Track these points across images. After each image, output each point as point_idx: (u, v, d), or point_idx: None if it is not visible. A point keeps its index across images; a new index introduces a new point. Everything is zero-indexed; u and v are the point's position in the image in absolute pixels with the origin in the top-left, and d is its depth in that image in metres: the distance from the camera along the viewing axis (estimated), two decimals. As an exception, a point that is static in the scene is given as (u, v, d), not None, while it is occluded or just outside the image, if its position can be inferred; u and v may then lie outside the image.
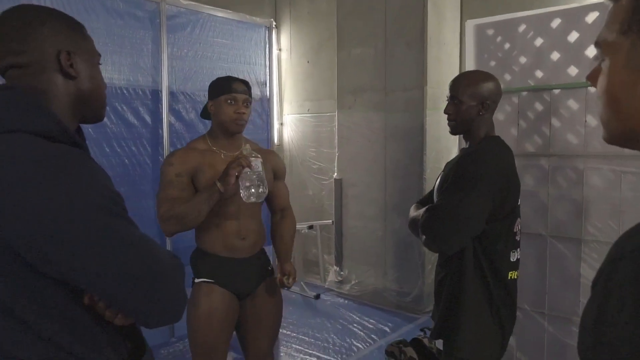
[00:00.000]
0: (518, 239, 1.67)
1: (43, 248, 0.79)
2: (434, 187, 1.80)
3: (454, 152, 3.43)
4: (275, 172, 2.06)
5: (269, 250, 2.22)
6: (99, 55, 1.05)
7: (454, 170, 1.58)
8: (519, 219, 1.68)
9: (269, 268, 2.06)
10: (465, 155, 1.63)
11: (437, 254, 1.77)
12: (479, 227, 1.54)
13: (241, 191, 1.75)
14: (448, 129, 1.74)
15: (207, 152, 1.91)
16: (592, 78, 0.64)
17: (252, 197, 1.75)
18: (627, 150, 0.66)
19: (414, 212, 1.77)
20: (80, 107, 0.99)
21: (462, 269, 1.58)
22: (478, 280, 1.58)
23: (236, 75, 3.57)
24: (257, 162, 1.74)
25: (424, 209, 1.65)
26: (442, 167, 1.85)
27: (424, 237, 1.58)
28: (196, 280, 1.93)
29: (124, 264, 0.84)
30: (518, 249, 1.67)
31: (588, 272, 2.30)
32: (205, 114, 2.01)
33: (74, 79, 0.96)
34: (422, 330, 2.50)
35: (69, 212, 0.80)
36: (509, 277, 1.61)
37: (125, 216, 0.88)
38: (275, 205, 2.10)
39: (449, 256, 1.64)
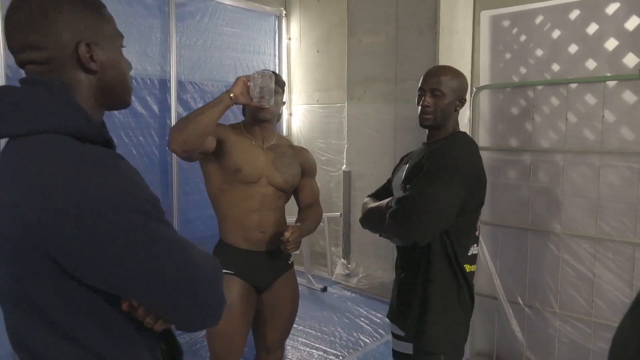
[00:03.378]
0: (477, 235, 1.68)
1: (81, 253, 0.76)
2: (390, 180, 1.81)
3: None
4: (304, 168, 2.06)
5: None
6: (122, 36, 0.96)
7: (428, 162, 1.56)
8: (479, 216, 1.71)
9: (289, 262, 2.06)
10: (440, 148, 1.61)
11: None
12: (451, 220, 1.53)
13: (252, 96, 1.70)
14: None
15: (240, 135, 1.94)
16: None
17: (263, 99, 1.70)
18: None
19: (371, 203, 1.74)
20: (106, 98, 0.93)
21: (429, 263, 1.58)
22: (447, 272, 1.59)
23: (245, 64, 3.56)
24: (264, 72, 1.73)
25: (389, 199, 1.63)
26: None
27: (395, 227, 1.53)
28: None
29: (165, 268, 0.80)
30: (476, 245, 1.67)
31: (602, 272, 2.25)
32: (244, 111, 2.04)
33: (95, 73, 0.89)
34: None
35: (106, 214, 0.76)
36: (467, 270, 1.62)
37: (163, 219, 0.84)
38: (301, 201, 2.09)
39: (411, 254, 1.63)
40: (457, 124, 1.71)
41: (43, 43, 0.85)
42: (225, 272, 1.90)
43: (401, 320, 1.68)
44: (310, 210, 2.06)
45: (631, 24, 2.14)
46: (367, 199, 1.81)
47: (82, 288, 0.81)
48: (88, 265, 0.78)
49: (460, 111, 1.71)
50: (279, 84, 1.95)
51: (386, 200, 1.65)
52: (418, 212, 1.50)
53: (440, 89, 1.62)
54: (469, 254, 1.63)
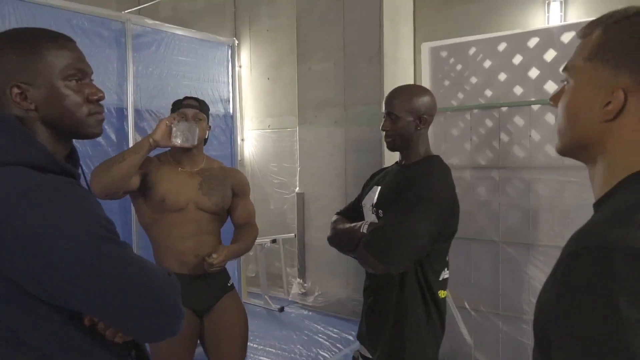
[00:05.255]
0: (447, 260, 1.70)
1: (39, 276, 0.82)
2: (359, 198, 1.82)
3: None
4: (235, 189, 2.09)
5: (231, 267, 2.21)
6: (78, 70, 0.98)
7: (405, 191, 1.57)
8: None
9: (228, 284, 2.08)
10: (416, 176, 1.62)
11: None
12: (427, 250, 1.55)
13: (174, 140, 1.79)
14: None
15: (166, 164, 1.97)
16: (555, 99, 0.79)
17: (178, 139, 1.78)
18: (567, 162, 0.81)
19: (342, 224, 1.72)
20: (59, 131, 0.97)
21: (402, 290, 1.59)
22: (419, 299, 1.59)
23: (200, 93, 3.66)
24: (190, 121, 1.84)
25: (360, 224, 1.62)
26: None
27: (369, 258, 1.52)
28: None
29: (119, 286, 0.87)
30: (446, 269, 1.69)
31: (536, 274, 2.50)
32: None
33: (34, 111, 0.93)
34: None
35: (61, 239, 0.83)
36: (440, 296, 1.63)
37: (116, 240, 0.90)
38: (235, 221, 2.12)
39: (380, 281, 1.64)
40: (428, 145, 1.71)
41: None
42: None
43: (372, 344, 1.70)
44: (243, 231, 2.08)
45: (549, 56, 2.45)
46: (336, 217, 1.81)
47: (47, 308, 0.87)
48: (47, 287, 0.83)
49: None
50: (204, 110, 2.02)
51: (359, 224, 1.62)
52: (394, 244, 1.49)
53: (394, 112, 1.63)
54: (440, 279, 1.64)
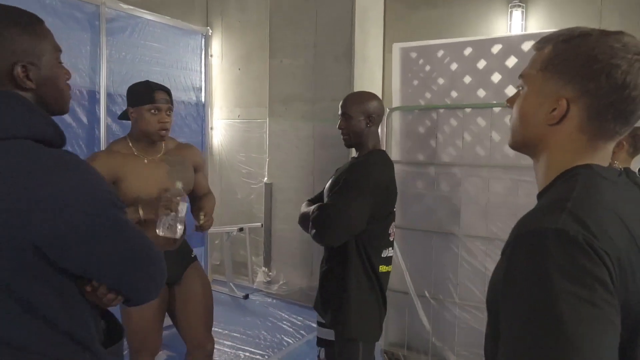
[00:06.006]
0: (392, 240, 1.97)
1: (65, 243, 0.90)
2: (324, 188, 2.06)
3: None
4: (195, 166, 2.21)
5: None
6: (59, 50, 1.04)
7: (345, 176, 1.84)
8: (393, 223, 1.97)
9: (192, 255, 2.22)
10: (355, 164, 1.91)
11: None
12: (361, 227, 1.82)
13: (158, 222, 1.80)
14: None
15: (130, 157, 1.98)
16: (511, 101, 0.91)
17: (166, 233, 1.79)
18: (523, 162, 0.93)
19: (305, 208, 2.00)
20: (45, 108, 1.02)
21: (346, 261, 1.86)
22: (361, 270, 1.86)
23: (172, 80, 3.68)
24: (183, 207, 1.83)
25: (314, 206, 1.90)
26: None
27: (313, 230, 1.82)
28: None
29: (132, 250, 0.99)
30: (390, 248, 1.96)
31: (492, 266, 2.68)
32: (124, 116, 2.05)
33: (29, 90, 0.98)
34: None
35: (83, 207, 0.91)
36: (380, 270, 1.90)
37: (124, 208, 1.02)
38: (197, 193, 2.24)
39: (332, 251, 1.90)
40: (377, 141, 1.98)
41: None
42: None
43: (323, 309, 1.94)
44: (205, 199, 2.20)
45: (510, 62, 2.62)
46: (304, 203, 2.08)
47: (62, 275, 0.95)
48: (70, 252, 0.92)
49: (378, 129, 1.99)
50: (172, 100, 2.03)
51: (313, 206, 1.91)
52: (331, 220, 1.79)
53: (347, 112, 1.92)
54: (382, 256, 1.90)
